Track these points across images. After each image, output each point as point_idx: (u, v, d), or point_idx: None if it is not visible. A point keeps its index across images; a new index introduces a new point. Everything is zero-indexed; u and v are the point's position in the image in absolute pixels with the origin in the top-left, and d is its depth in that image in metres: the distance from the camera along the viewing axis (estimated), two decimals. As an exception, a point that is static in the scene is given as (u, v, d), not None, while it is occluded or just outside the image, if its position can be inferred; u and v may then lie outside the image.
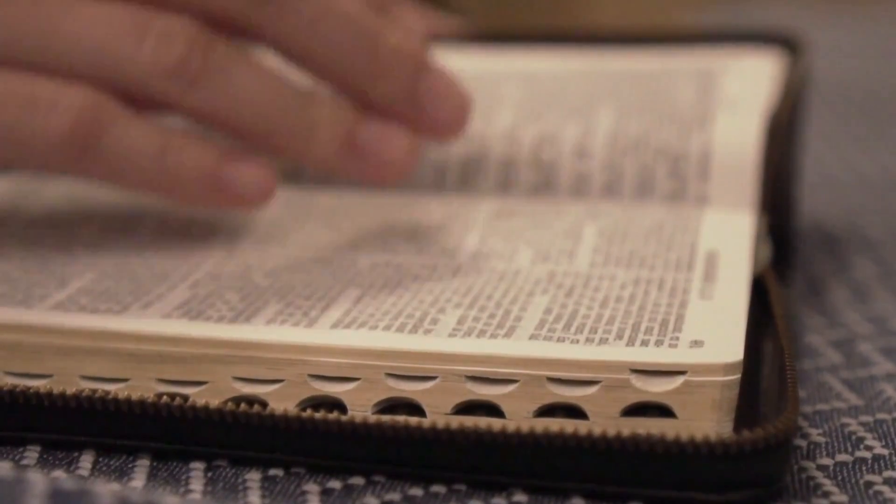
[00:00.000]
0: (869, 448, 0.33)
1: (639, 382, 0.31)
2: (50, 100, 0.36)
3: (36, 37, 0.36)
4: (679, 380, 0.31)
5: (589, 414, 0.31)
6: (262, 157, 0.37)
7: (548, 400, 0.31)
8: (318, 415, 0.31)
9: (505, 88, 0.46)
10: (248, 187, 0.37)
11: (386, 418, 0.31)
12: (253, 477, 0.32)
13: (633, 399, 0.31)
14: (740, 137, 0.42)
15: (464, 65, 0.49)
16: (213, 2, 0.36)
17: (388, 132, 0.37)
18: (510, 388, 0.31)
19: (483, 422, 0.31)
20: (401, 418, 0.31)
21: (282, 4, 0.36)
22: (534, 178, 0.42)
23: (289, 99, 0.37)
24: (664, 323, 0.33)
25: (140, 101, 0.37)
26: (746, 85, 0.45)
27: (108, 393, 0.32)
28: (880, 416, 0.35)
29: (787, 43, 0.48)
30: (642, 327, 0.33)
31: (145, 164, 0.36)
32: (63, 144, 0.36)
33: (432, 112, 0.38)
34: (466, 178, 0.43)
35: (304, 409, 0.32)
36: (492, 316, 0.34)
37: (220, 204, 0.37)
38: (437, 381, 0.32)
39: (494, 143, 0.43)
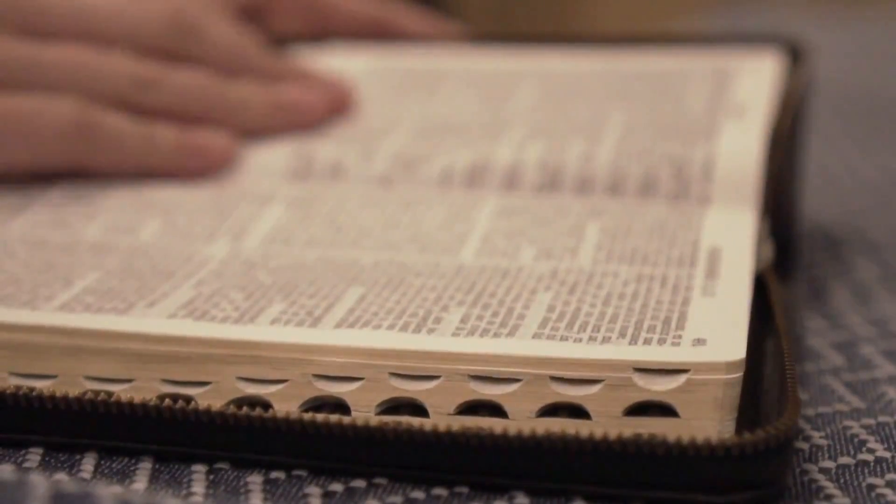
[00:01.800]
0: (871, 451, 0.33)
1: (641, 381, 0.31)
2: (46, 104, 0.43)
3: (23, 62, 0.44)
4: (682, 378, 0.31)
5: (591, 413, 0.31)
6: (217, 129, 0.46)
7: (550, 399, 0.31)
8: (320, 417, 0.31)
9: (520, 88, 0.47)
10: (215, 150, 0.45)
11: (388, 420, 0.31)
12: (255, 479, 0.32)
13: (635, 398, 0.31)
14: (744, 142, 0.42)
15: (478, 65, 0.50)
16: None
17: (298, 90, 0.47)
18: (513, 387, 0.31)
19: (485, 424, 0.31)
20: (403, 420, 0.31)
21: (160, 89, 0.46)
22: (539, 180, 0.42)
23: (220, 87, 0.46)
24: (667, 321, 0.33)
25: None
26: (753, 88, 0.45)
27: (110, 395, 0.32)
28: (882, 418, 0.35)
29: (790, 46, 0.48)
30: (645, 325, 0.33)
31: (135, 144, 0.44)
32: (64, 135, 0.43)
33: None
34: (473, 182, 0.43)
35: (306, 411, 0.32)
36: (495, 314, 0.34)
37: (195, 167, 0.45)
38: (441, 380, 0.32)
39: (501, 156, 0.43)
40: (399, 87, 0.49)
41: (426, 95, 0.48)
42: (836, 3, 0.99)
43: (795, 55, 0.48)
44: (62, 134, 0.43)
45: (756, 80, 0.46)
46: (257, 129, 0.47)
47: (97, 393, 0.32)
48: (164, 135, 0.45)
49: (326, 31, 0.53)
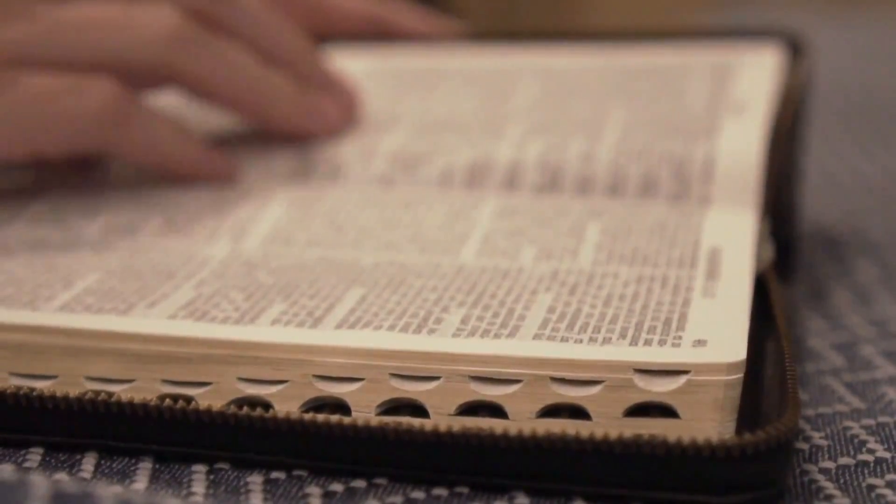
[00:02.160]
0: (871, 451, 0.33)
1: (642, 382, 0.31)
2: (81, 84, 0.41)
3: (49, 35, 0.41)
4: (682, 379, 0.31)
5: (592, 414, 0.31)
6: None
7: (551, 400, 0.31)
8: (321, 418, 0.31)
9: (520, 85, 0.47)
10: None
11: (388, 420, 0.31)
12: (255, 480, 0.32)
13: (636, 399, 0.31)
14: (744, 141, 0.42)
15: (480, 63, 0.50)
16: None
17: (329, 99, 0.46)
18: (513, 388, 0.31)
19: (485, 424, 0.31)
20: (403, 420, 0.31)
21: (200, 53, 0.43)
22: (539, 180, 0.42)
23: (256, 70, 0.44)
24: (667, 322, 0.33)
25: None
26: (753, 84, 0.45)
27: (110, 395, 0.32)
28: (882, 419, 0.35)
29: (790, 41, 0.48)
30: (645, 326, 0.33)
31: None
32: (101, 118, 0.41)
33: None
34: (473, 181, 0.43)
35: (306, 411, 0.32)
36: (495, 315, 0.34)
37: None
38: (441, 381, 0.32)
39: (501, 155, 0.43)
40: (399, 87, 0.49)
41: (425, 94, 0.48)
42: (837, 3, 1.00)
43: (796, 50, 0.48)
44: (99, 117, 0.41)
45: (756, 75, 0.46)
46: (277, 127, 0.45)
47: (97, 393, 0.32)
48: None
49: (326, 30, 0.53)
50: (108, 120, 0.41)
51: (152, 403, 0.32)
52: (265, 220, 0.40)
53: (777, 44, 0.48)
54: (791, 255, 0.45)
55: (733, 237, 0.38)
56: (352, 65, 0.50)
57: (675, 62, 0.48)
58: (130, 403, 0.32)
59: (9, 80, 0.40)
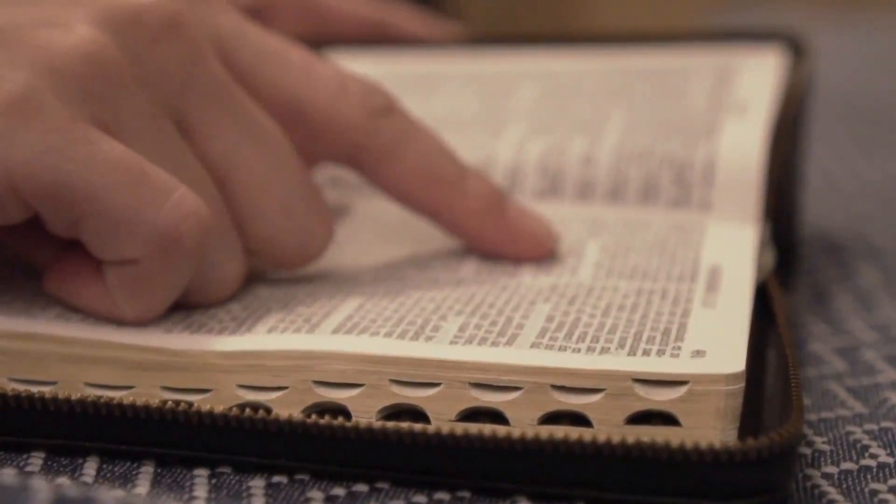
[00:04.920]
0: (874, 456, 0.33)
1: (642, 391, 0.31)
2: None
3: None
4: (682, 389, 0.31)
5: (593, 422, 0.31)
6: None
7: (552, 407, 0.31)
8: (322, 420, 0.31)
9: (521, 87, 0.46)
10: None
11: (390, 424, 0.31)
12: (257, 484, 0.31)
13: (637, 407, 0.31)
14: (745, 144, 0.42)
15: (480, 66, 0.49)
16: None
17: (528, 212, 0.39)
18: (514, 395, 0.31)
19: (487, 428, 0.31)
20: (405, 424, 0.31)
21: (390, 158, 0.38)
22: (539, 185, 0.42)
23: (450, 154, 0.39)
24: (666, 332, 0.33)
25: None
26: (755, 85, 0.45)
27: (112, 399, 0.32)
28: (885, 424, 0.35)
29: (791, 43, 0.48)
30: (644, 336, 0.33)
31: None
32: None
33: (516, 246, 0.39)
34: None
35: (308, 416, 0.32)
36: (493, 323, 0.34)
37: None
38: (442, 387, 0.32)
39: (502, 153, 0.43)
40: (399, 90, 0.49)
41: (426, 97, 0.48)
42: (839, 6, 1.00)
43: (797, 52, 0.48)
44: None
45: (758, 77, 0.46)
46: (469, 222, 0.40)
47: (99, 396, 0.32)
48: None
49: (326, 34, 0.53)
50: None
51: (154, 406, 0.32)
52: None
53: (778, 46, 0.48)
54: (792, 260, 0.45)
55: (734, 252, 0.38)
56: (353, 68, 0.50)
57: (676, 64, 0.48)
58: (132, 406, 0.32)
59: None
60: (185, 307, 0.35)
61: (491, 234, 0.38)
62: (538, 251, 0.38)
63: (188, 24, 0.35)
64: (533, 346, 0.32)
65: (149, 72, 0.35)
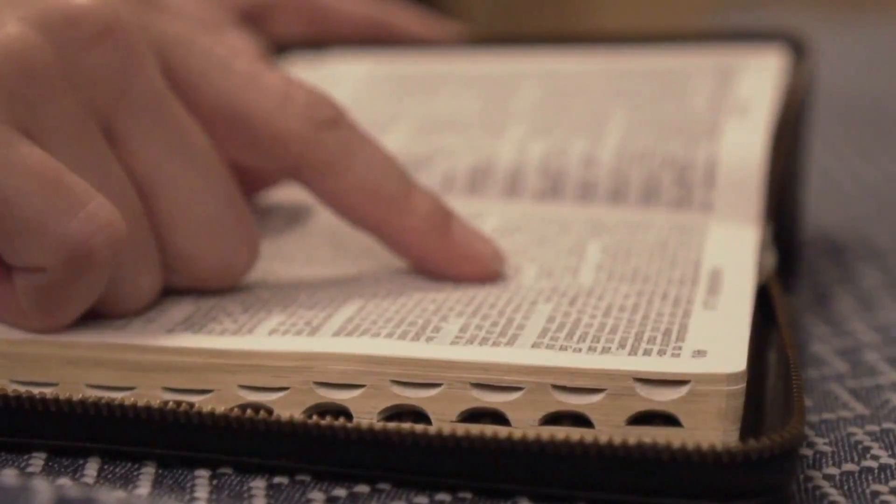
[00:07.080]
0: (875, 458, 0.33)
1: (643, 391, 0.31)
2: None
3: None
4: (683, 389, 0.31)
5: (595, 422, 0.31)
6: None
7: (553, 408, 0.31)
8: (324, 421, 0.31)
9: (522, 88, 0.46)
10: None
11: (391, 425, 0.31)
12: (258, 484, 0.31)
13: (638, 407, 0.31)
14: (747, 145, 0.42)
15: (481, 66, 0.49)
16: None
17: (474, 232, 0.38)
18: (515, 395, 0.31)
19: (488, 429, 0.31)
20: (406, 425, 0.31)
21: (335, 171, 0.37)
22: (540, 186, 0.42)
23: (396, 170, 0.38)
24: (667, 332, 0.33)
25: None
26: (757, 85, 0.45)
27: (113, 399, 0.32)
28: (887, 425, 0.35)
29: (792, 43, 0.48)
30: (645, 337, 0.33)
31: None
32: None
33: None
34: (475, 187, 0.43)
35: (309, 417, 0.32)
36: (494, 324, 0.34)
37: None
38: (442, 388, 0.32)
39: (503, 154, 0.43)
40: (400, 90, 0.49)
41: (427, 97, 0.48)
42: (841, 6, 1.00)
43: (799, 52, 0.48)
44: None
45: (759, 78, 0.46)
46: (413, 239, 0.39)
47: (100, 397, 0.32)
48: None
49: (326, 34, 0.53)
50: None
51: (155, 407, 0.32)
52: (265, 236, 0.40)
53: (780, 46, 0.48)
54: (794, 261, 0.45)
55: (735, 254, 0.38)
56: (353, 68, 0.50)
57: (677, 64, 0.48)
58: (133, 407, 0.32)
59: None
60: (103, 315, 0.35)
61: (434, 253, 0.37)
62: (483, 273, 0.37)
63: (126, 30, 0.34)
64: (534, 346, 0.32)
65: (80, 76, 0.34)
